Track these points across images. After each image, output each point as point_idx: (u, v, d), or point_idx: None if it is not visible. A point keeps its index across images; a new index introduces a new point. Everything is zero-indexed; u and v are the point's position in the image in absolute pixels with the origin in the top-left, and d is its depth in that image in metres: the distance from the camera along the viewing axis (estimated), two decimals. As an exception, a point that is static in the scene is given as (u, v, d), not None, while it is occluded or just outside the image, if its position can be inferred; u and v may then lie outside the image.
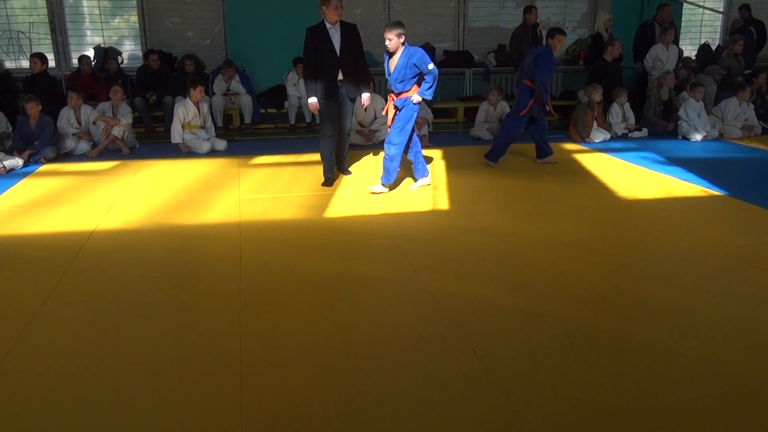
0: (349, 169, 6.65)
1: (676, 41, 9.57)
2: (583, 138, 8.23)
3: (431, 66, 5.43)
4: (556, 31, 6.65)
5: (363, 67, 6.11)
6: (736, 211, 5.29)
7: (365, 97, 6.15)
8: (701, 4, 11.65)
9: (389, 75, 5.61)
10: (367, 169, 6.79)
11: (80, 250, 4.34)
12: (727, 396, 2.62)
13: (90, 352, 2.99)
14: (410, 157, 5.87)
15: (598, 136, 8.27)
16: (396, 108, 5.63)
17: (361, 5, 10.46)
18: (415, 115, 5.63)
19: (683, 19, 11.54)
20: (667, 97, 8.96)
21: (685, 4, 11.24)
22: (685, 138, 8.46)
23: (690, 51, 11.44)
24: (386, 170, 5.69)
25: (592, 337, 3.12)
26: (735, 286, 3.76)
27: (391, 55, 5.55)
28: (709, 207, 5.44)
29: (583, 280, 3.85)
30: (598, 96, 8.34)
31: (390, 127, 5.72)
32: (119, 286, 3.79)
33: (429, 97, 5.60)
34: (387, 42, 5.41)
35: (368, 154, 7.58)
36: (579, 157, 7.44)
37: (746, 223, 4.96)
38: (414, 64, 5.42)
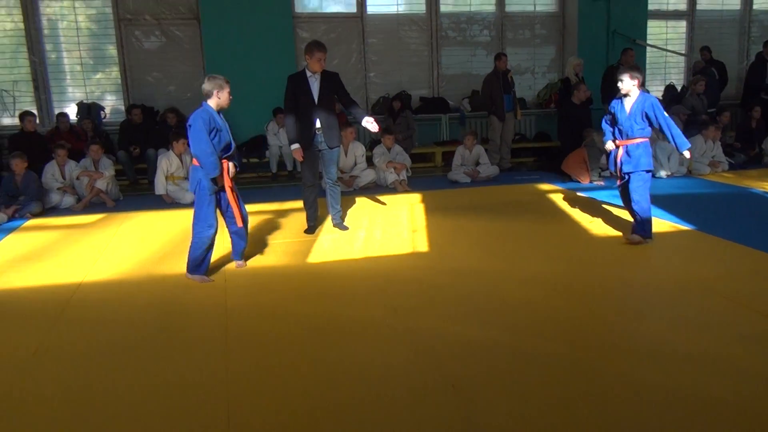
0: (346, 224, 6.39)
1: (642, 83, 9.96)
2: (591, 179, 8.50)
3: (202, 145, 4.67)
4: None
5: (355, 105, 5.99)
6: (704, 244, 5.52)
7: (365, 120, 5.71)
8: (664, 47, 12.17)
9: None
10: (349, 214, 6.94)
11: (68, 302, 4.43)
12: (693, 421, 2.77)
13: (80, 401, 3.08)
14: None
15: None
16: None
17: (338, 56, 10.79)
18: (202, 196, 4.74)
19: (649, 61, 12.02)
20: (635, 136, 9.28)
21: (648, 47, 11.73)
22: (653, 175, 8.77)
23: (657, 92, 11.88)
24: (201, 261, 4.85)
25: (568, 371, 3.26)
26: (701, 316, 3.93)
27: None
28: (677, 241, 5.66)
29: (557, 315, 4.01)
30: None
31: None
32: (107, 336, 3.87)
33: (209, 174, 4.67)
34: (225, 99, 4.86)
35: (351, 200, 7.74)
36: (553, 197, 7.68)
37: (713, 256, 5.19)
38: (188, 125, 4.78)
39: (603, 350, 3.49)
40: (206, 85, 4.74)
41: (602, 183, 8.43)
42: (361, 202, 7.64)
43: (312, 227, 6.19)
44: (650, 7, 11.67)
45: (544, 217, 6.67)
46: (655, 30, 12.13)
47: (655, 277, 4.75)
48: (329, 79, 5.94)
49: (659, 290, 4.45)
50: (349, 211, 7.10)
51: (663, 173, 8.70)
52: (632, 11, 11.31)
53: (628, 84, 5.48)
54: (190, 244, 4.81)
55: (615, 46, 11.06)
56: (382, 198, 7.78)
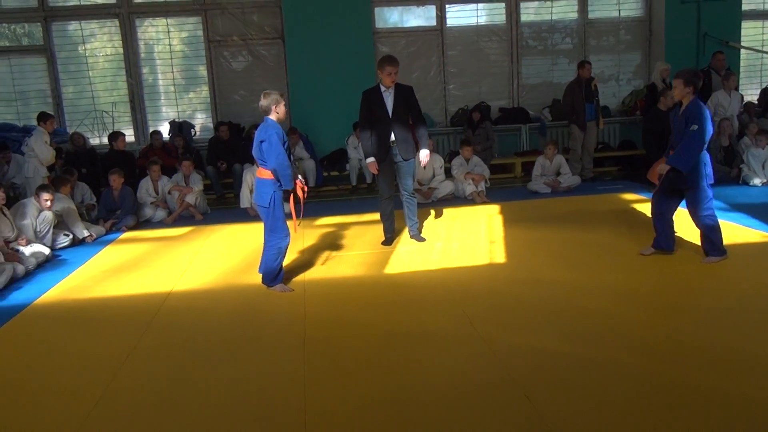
0: (422, 235, 6.45)
1: (736, 87, 9.52)
2: None
3: (281, 158, 4.73)
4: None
5: (421, 125, 6.12)
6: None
7: (423, 154, 6.13)
8: (760, 48, 11.56)
9: None
10: (426, 225, 6.99)
11: (159, 310, 4.69)
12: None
13: (169, 405, 3.26)
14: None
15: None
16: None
17: (418, 69, 10.91)
18: (277, 208, 4.85)
19: (744, 63, 11.48)
20: (727, 143, 8.89)
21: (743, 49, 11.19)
22: (746, 183, 8.38)
23: (752, 96, 11.30)
24: (278, 272, 5.02)
25: (647, 384, 3.16)
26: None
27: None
28: (771, 252, 5.38)
29: (638, 327, 3.90)
30: None
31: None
32: (195, 343, 4.08)
33: (287, 186, 4.84)
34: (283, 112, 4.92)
35: (426, 211, 7.78)
36: (638, 207, 7.44)
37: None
38: (261, 141, 4.82)
39: (680, 361, 3.37)
40: (263, 102, 4.88)
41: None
42: (439, 214, 7.66)
43: (389, 239, 6.26)
44: (745, 7, 11.13)
45: (627, 228, 6.46)
46: (751, 31, 11.56)
47: (747, 289, 4.50)
48: (403, 93, 6.01)
49: (751, 303, 4.22)
50: (427, 223, 7.14)
51: (757, 181, 8.26)
52: (725, 12, 10.82)
53: (681, 90, 5.05)
54: (264, 258, 4.97)
55: (706, 50, 10.61)
56: (458, 210, 7.77)
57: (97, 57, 10.64)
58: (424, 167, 8.51)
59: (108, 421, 3.11)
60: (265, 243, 4.97)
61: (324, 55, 10.26)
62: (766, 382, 3.12)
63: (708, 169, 5.06)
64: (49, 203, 6.74)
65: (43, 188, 6.84)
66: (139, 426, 3.04)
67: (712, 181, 5.08)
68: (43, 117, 8.13)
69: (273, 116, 4.87)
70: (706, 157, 5.07)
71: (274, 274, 4.97)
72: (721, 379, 3.15)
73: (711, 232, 5.09)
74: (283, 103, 4.90)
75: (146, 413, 3.16)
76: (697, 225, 5.14)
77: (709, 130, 4.96)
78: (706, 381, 3.14)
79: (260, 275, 5.12)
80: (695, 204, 5.05)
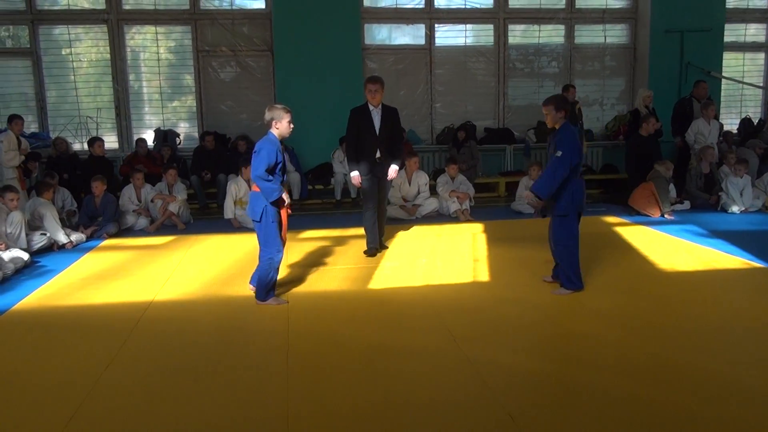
0: (386, 243, 6.76)
1: (716, 116, 9.70)
2: (663, 212, 8.28)
3: (259, 171, 4.67)
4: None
5: (399, 145, 6.45)
6: (779, 283, 5.29)
7: (392, 169, 6.29)
8: (740, 79, 11.81)
9: None
10: (411, 242, 7.01)
11: (139, 320, 4.62)
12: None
13: (148, 417, 3.20)
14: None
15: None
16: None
17: (405, 86, 10.98)
18: (269, 223, 4.80)
19: (725, 93, 11.70)
20: (708, 170, 9.04)
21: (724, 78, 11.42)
22: (724, 210, 8.51)
23: (732, 125, 11.53)
24: (272, 286, 4.96)
25: (629, 405, 3.18)
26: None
27: None
28: (750, 279, 5.45)
29: (620, 349, 3.92)
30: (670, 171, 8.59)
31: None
32: (175, 354, 4.02)
33: (267, 199, 4.74)
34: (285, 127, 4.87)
35: (411, 227, 7.81)
36: (619, 230, 7.52)
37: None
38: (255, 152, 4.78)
39: (662, 383, 3.39)
40: (266, 115, 4.87)
41: (673, 217, 8.19)
42: (423, 231, 7.68)
43: (373, 249, 6.33)
44: (727, 39, 11.38)
45: (609, 251, 6.52)
46: (732, 62, 11.82)
47: (724, 313, 4.56)
48: (389, 113, 6.28)
49: (728, 328, 4.29)
50: (411, 239, 7.16)
51: (735, 208, 8.40)
52: (707, 43, 11.05)
53: (553, 116, 4.91)
54: (258, 273, 4.91)
55: (689, 78, 10.80)
56: (442, 227, 7.80)
57: (83, 62, 10.55)
58: (410, 183, 8.58)
59: (87, 431, 3.05)
60: (259, 257, 4.95)
61: (312, 69, 10.29)
62: (726, 398, 3.16)
63: (578, 197, 4.87)
64: (14, 202, 6.68)
65: (6, 189, 6.76)
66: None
67: (581, 210, 4.96)
68: (10, 119, 8.16)
69: (274, 131, 4.85)
70: (577, 184, 4.88)
71: (267, 288, 4.91)
72: (701, 401, 3.18)
73: (564, 264, 4.99)
74: (287, 119, 4.83)
75: (126, 424, 3.11)
76: (553, 253, 5.07)
77: (575, 157, 4.75)
78: (687, 403, 3.16)
79: (249, 288, 5.13)
80: (555, 231, 4.99)
